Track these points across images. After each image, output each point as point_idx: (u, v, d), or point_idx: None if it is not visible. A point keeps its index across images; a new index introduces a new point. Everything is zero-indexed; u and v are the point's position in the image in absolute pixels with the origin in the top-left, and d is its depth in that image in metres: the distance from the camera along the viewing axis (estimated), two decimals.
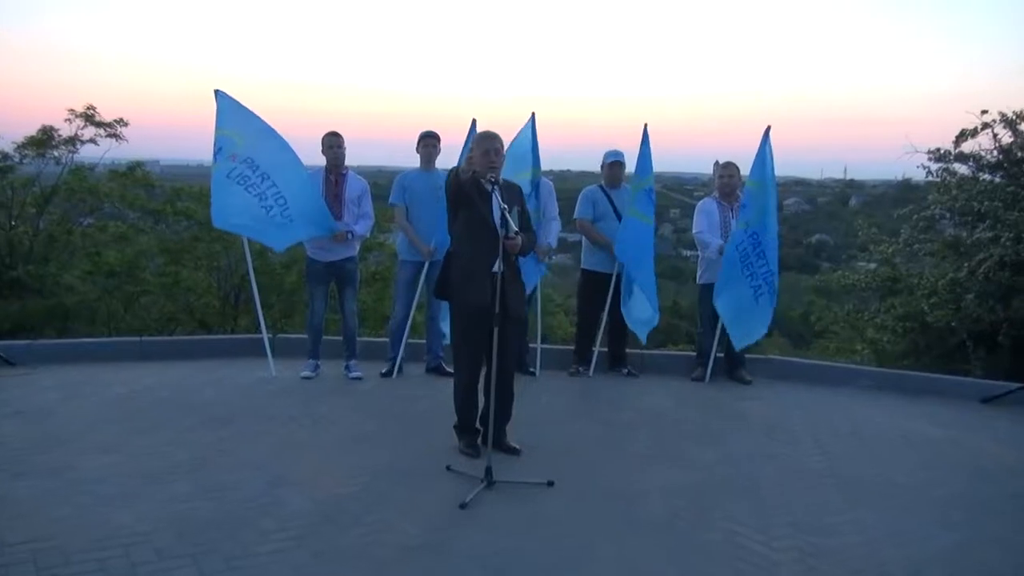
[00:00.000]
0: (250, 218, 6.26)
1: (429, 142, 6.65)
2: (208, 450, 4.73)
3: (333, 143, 6.54)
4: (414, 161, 6.77)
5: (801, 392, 6.84)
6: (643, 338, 6.99)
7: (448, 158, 6.70)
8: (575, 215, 7.11)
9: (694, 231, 7.18)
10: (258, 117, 6.45)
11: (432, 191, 6.52)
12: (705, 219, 7.07)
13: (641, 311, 6.92)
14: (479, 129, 6.41)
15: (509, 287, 4.62)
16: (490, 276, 4.52)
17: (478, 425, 4.91)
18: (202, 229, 12.05)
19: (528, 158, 6.62)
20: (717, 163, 7.33)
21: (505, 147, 4.86)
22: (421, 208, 6.57)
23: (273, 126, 6.46)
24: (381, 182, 7.00)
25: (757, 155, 6.79)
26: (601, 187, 7.07)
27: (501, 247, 4.47)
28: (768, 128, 6.84)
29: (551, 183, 6.97)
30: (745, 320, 6.83)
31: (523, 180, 6.28)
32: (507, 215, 4.41)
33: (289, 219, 6.27)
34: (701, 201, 7.34)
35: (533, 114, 6.69)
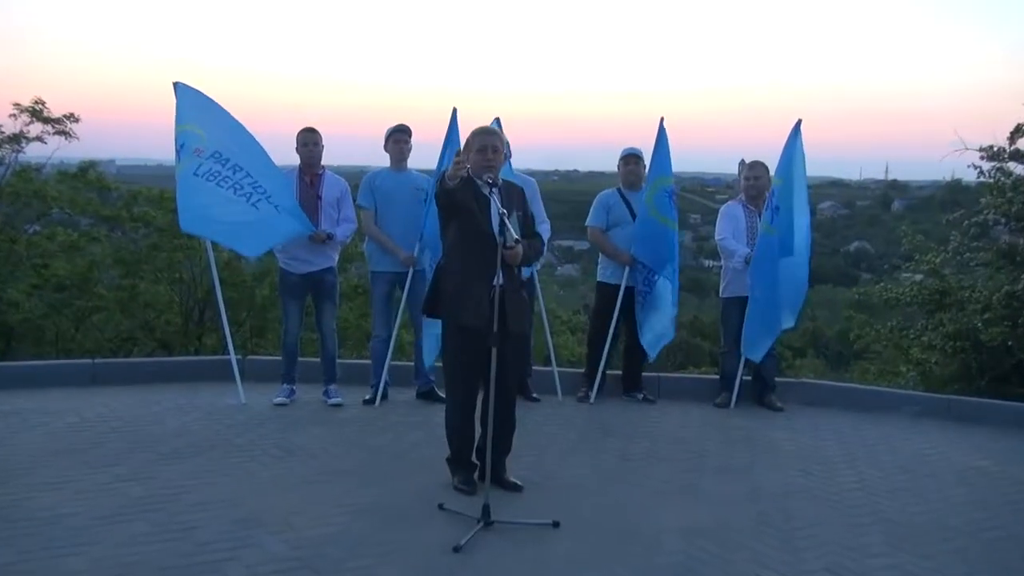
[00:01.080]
0: (224, 218, 6.26)
1: (400, 138, 6.66)
2: (169, 487, 4.74)
3: (309, 140, 6.57)
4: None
5: (839, 420, 6.85)
6: (652, 355, 7.01)
7: (424, 155, 6.69)
8: (587, 222, 7.15)
9: (717, 238, 7.22)
10: (224, 110, 6.51)
11: (405, 192, 6.54)
12: (729, 224, 7.10)
13: (658, 321, 6.95)
14: (460, 120, 6.46)
15: (510, 301, 4.63)
16: (488, 290, 4.54)
17: (474, 458, 4.91)
18: (162, 236, 12.09)
19: None
20: (743, 162, 7.38)
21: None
22: (393, 211, 6.57)
23: (242, 121, 6.52)
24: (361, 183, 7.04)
25: (784, 150, 6.85)
26: (619, 191, 7.11)
27: (500, 258, 4.49)
28: (799, 122, 6.89)
29: (534, 182, 7.00)
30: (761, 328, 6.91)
31: None
32: (506, 221, 4.42)
33: (275, 207, 6.28)
34: (725, 204, 7.38)
35: (497, 119, 6.69)
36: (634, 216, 6.98)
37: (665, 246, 6.88)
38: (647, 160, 7.06)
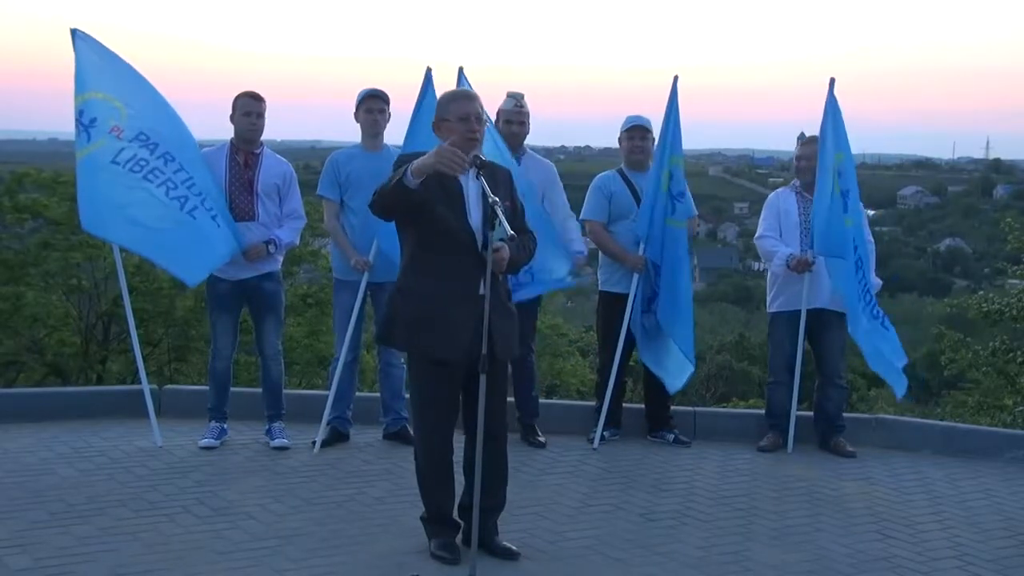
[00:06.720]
0: (152, 225, 6.23)
1: (374, 105, 6.64)
2: (62, 556, 4.72)
3: (252, 108, 6.49)
4: (354, 133, 6.79)
5: (926, 468, 6.86)
6: (672, 389, 7.01)
7: (401, 129, 6.70)
8: (582, 215, 7.16)
9: (755, 236, 7.28)
10: (138, 73, 6.46)
11: (381, 177, 6.52)
12: (772, 217, 7.14)
13: (677, 349, 6.98)
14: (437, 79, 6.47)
15: (497, 318, 4.63)
16: (467, 307, 4.53)
17: (457, 517, 4.91)
18: (55, 232, 12.08)
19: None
20: (802, 136, 7.38)
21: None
22: (364, 203, 6.55)
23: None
24: (315, 163, 7.03)
25: (828, 117, 6.91)
26: (621, 172, 7.14)
27: (489, 264, 4.48)
28: (832, 81, 6.98)
29: (553, 166, 7.05)
30: (884, 355, 7.01)
31: None
32: (499, 212, 4.42)
33: (212, 217, 6.24)
34: (774, 192, 7.42)
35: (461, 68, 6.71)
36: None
37: (676, 251, 6.88)
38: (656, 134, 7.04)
